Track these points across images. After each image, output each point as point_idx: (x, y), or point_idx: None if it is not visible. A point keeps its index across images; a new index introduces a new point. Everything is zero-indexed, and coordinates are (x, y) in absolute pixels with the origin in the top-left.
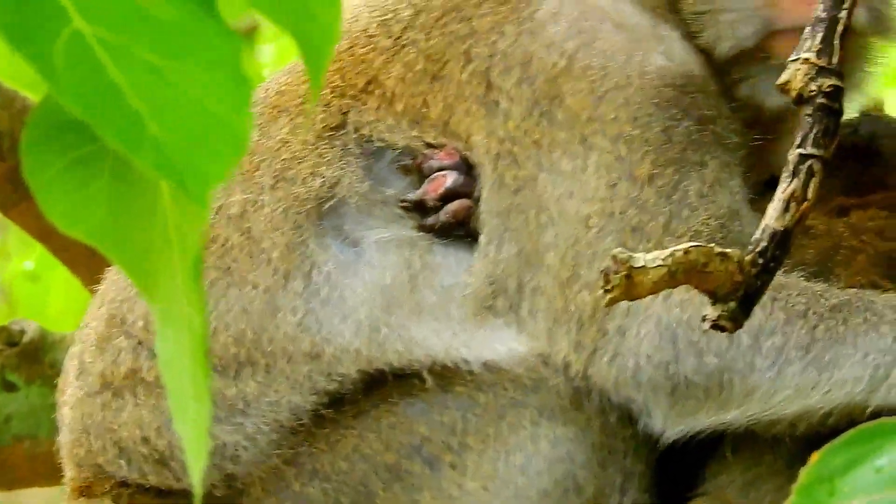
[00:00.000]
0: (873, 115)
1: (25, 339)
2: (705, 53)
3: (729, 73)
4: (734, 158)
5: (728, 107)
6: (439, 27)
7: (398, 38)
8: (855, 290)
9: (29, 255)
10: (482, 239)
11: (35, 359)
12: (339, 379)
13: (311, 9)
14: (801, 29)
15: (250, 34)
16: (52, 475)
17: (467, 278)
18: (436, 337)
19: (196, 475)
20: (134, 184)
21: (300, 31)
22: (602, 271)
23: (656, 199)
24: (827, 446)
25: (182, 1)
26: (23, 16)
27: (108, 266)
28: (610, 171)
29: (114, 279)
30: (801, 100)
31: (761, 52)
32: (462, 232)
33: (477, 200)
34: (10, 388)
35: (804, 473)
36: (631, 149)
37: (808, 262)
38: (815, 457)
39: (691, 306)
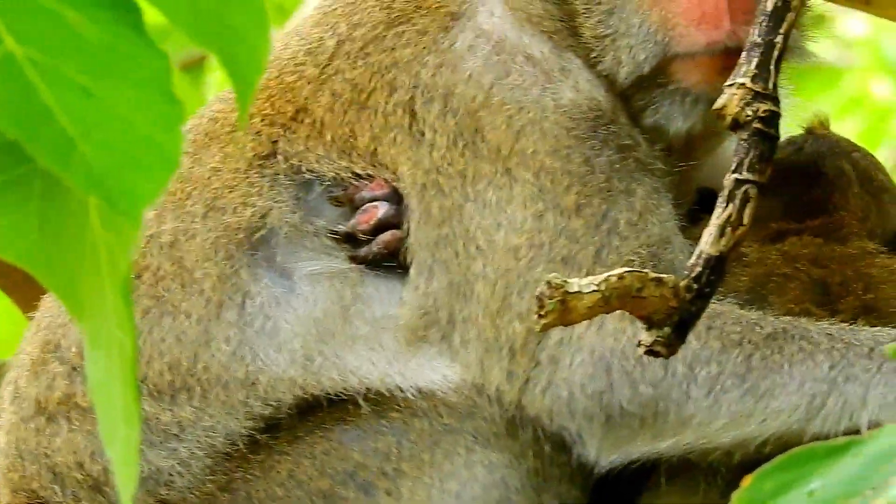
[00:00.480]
0: (819, 135)
1: None
2: (608, 81)
3: (631, 101)
4: (662, 184)
5: (641, 135)
6: (363, 57)
7: (325, 67)
8: (790, 318)
9: None
10: (412, 270)
11: None
12: (275, 404)
13: (239, 31)
14: (697, 53)
15: (199, 64)
16: None
17: (399, 310)
18: (370, 365)
19: (125, 497)
20: (64, 206)
21: (227, 54)
22: (536, 296)
23: (585, 230)
24: (758, 471)
25: (111, 22)
26: None
27: (45, 292)
28: (536, 203)
29: (49, 305)
30: (736, 125)
31: (660, 78)
32: (394, 262)
33: (409, 231)
34: None
35: (735, 498)
36: (554, 180)
37: (742, 290)
38: (746, 481)
39: (625, 336)
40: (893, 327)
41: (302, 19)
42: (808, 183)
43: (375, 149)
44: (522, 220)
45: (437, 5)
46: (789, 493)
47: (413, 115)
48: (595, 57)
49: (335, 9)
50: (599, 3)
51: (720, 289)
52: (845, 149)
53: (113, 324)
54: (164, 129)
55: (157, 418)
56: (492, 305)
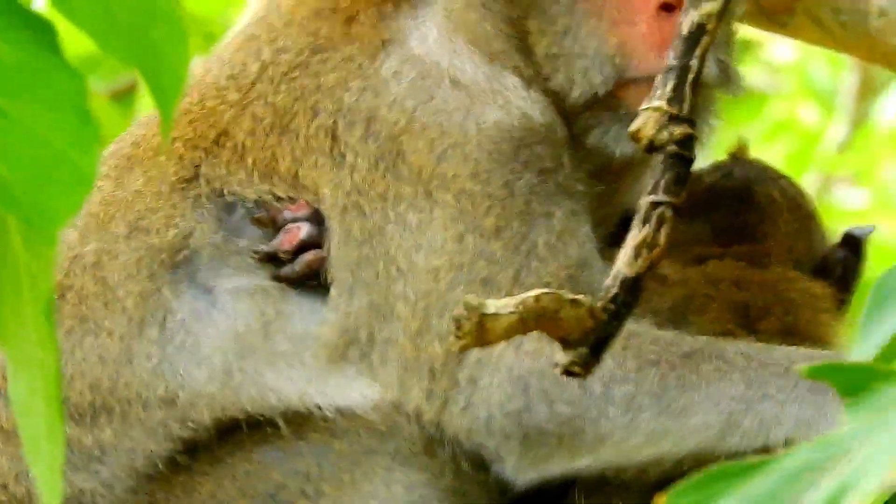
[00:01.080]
0: (745, 160)
1: None
2: (555, 98)
3: (578, 120)
4: (581, 207)
5: (575, 154)
6: (287, 81)
7: (247, 91)
8: (707, 337)
9: None
10: (333, 290)
11: None
12: (194, 426)
13: (160, 46)
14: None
15: (129, 93)
16: None
17: (320, 328)
18: (290, 383)
19: None
20: None
21: (148, 69)
22: (454, 318)
23: (504, 252)
24: (673, 489)
25: (26, 42)
26: None
27: None
28: (456, 225)
29: None
30: (652, 147)
31: (613, 101)
32: (316, 282)
33: (330, 251)
34: None
35: None
36: (475, 203)
37: (663, 310)
38: (660, 500)
39: (542, 356)
40: (809, 348)
41: (224, 44)
42: (737, 209)
43: (297, 171)
44: (442, 241)
45: (365, 32)
46: None
47: (335, 138)
48: (545, 75)
49: (258, 34)
50: (554, 24)
51: (639, 309)
52: (773, 176)
53: (35, 344)
54: (80, 149)
55: (80, 441)
56: (412, 326)
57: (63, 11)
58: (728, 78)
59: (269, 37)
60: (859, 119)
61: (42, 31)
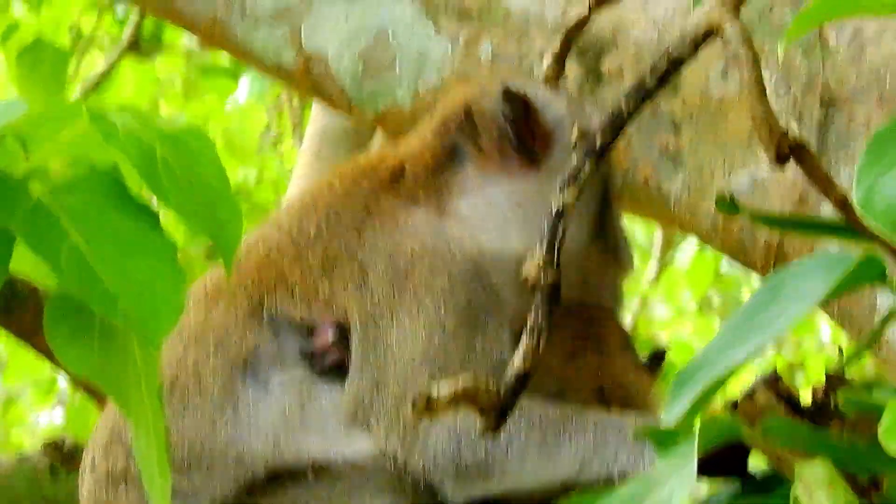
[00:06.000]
0: None
1: (66, 446)
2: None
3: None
4: (504, 321)
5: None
6: (337, 238)
7: (302, 247)
8: (570, 408)
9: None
10: (352, 372)
11: (72, 458)
12: (253, 475)
13: (223, 222)
14: None
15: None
16: None
17: (341, 397)
18: (315, 446)
19: None
20: (115, 340)
21: (216, 236)
22: (412, 400)
23: (456, 350)
24: None
25: (136, 220)
26: (38, 233)
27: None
28: (428, 330)
29: (112, 406)
30: (534, 288)
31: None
32: (336, 374)
33: (347, 349)
34: (57, 475)
35: None
36: (439, 322)
37: (553, 391)
38: None
39: (469, 420)
40: (637, 415)
41: (284, 212)
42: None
43: (331, 297)
44: (419, 341)
45: (401, 203)
46: None
47: (364, 275)
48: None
49: (315, 205)
50: None
51: (532, 390)
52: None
53: (149, 415)
54: (172, 289)
55: (179, 484)
56: (396, 395)
57: (162, 200)
58: (626, 259)
59: (325, 208)
60: (664, 263)
61: (147, 213)
